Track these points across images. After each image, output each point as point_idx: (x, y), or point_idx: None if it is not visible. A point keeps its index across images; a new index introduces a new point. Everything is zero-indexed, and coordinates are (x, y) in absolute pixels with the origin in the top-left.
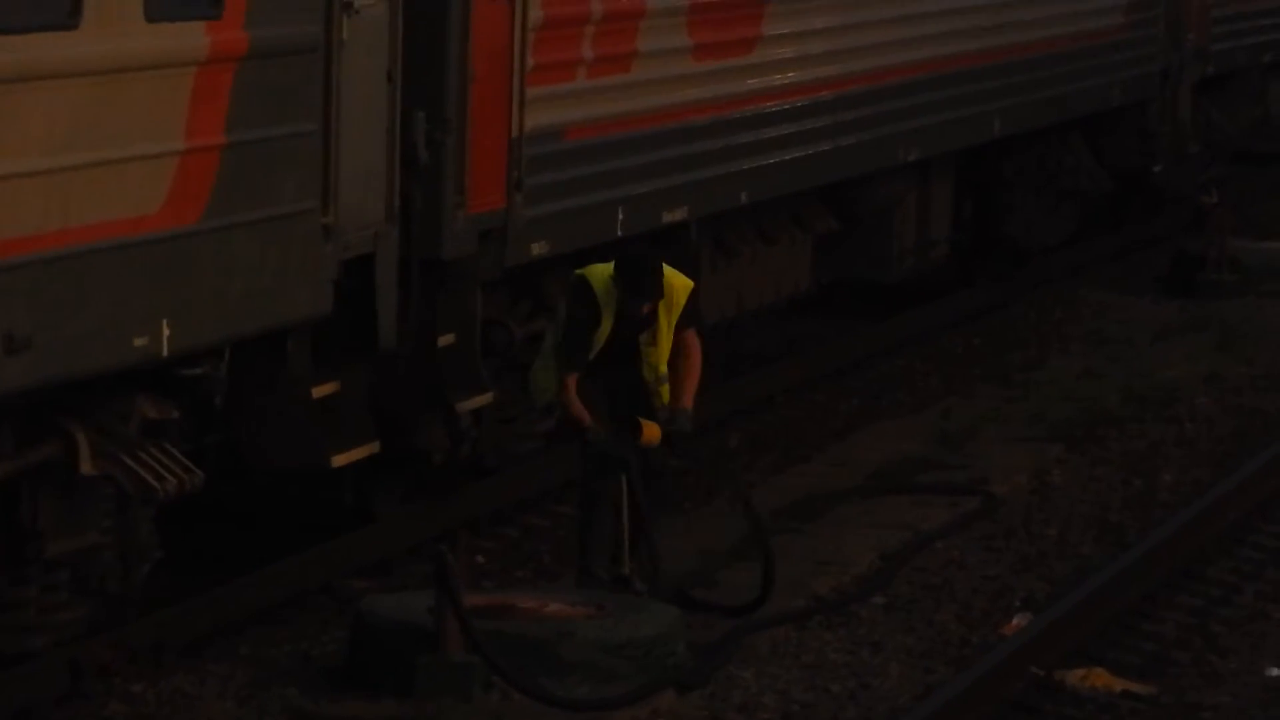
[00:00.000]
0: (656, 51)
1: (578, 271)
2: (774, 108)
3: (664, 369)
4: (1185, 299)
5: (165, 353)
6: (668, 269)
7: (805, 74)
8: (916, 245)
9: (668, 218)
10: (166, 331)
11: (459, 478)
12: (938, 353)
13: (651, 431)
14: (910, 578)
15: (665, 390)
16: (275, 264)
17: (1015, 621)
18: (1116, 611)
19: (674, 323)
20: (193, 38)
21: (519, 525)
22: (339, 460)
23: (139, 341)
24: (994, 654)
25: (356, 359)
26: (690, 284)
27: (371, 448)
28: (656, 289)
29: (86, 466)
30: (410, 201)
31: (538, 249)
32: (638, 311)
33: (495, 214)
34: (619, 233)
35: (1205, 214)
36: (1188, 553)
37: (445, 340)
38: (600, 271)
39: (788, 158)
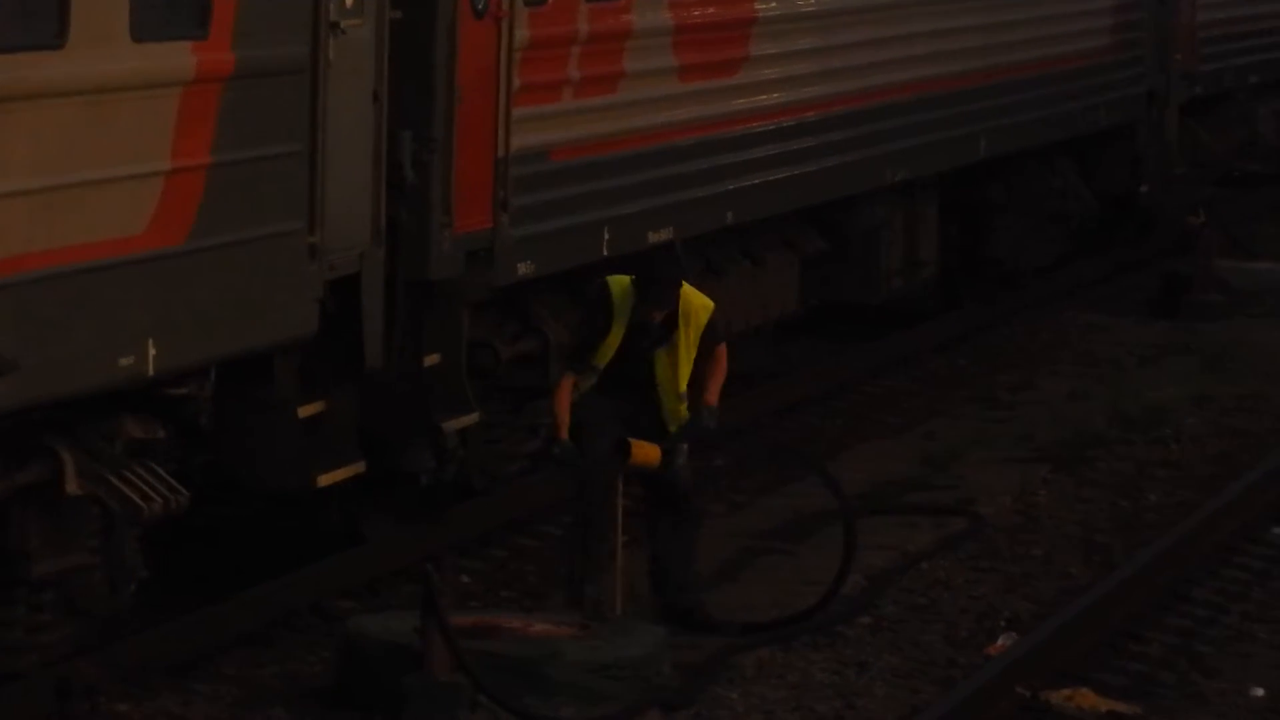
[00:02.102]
0: (643, 72)
1: (602, 278)
2: (760, 128)
3: (683, 387)
4: (1173, 320)
5: (151, 372)
6: (690, 289)
7: (792, 95)
8: (903, 266)
9: (654, 238)
10: (153, 351)
11: (445, 498)
12: (925, 374)
13: (643, 453)
14: (896, 598)
15: (684, 409)
16: (261, 284)
17: (1001, 642)
18: (1102, 632)
19: (694, 343)
20: (179, 58)
21: (505, 546)
22: (325, 480)
23: (125, 361)
24: (980, 675)
25: (343, 379)
26: (710, 305)
27: (358, 468)
28: (666, 298)
29: (72, 487)
30: (396, 222)
31: (524, 269)
32: (649, 318)
33: (481, 234)
34: (605, 253)
35: (1193, 235)
36: (1174, 574)
37: (431, 360)
38: (621, 279)
39: (774, 178)
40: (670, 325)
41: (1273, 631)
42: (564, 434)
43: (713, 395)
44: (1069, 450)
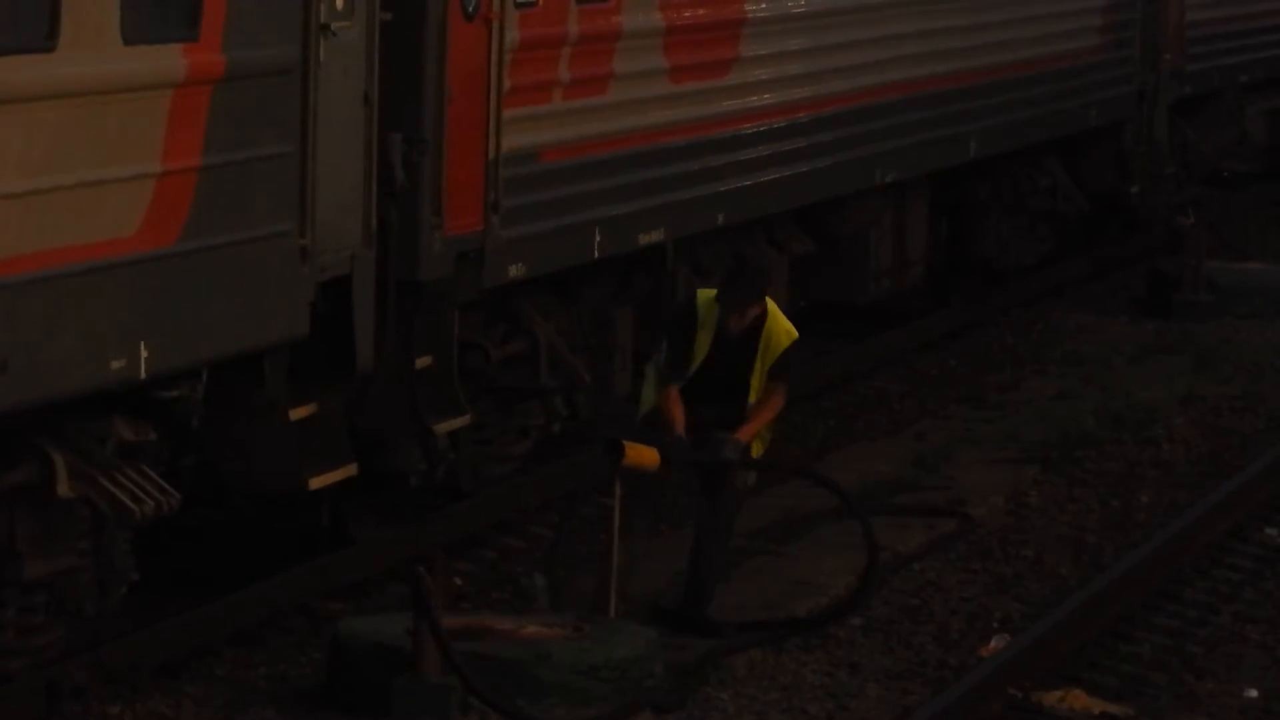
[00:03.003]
0: (633, 73)
1: (690, 291)
2: (750, 129)
3: (753, 399)
4: (1162, 320)
5: (143, 375)
6: (778, 312)
7: (781, 96)
8: (892, 266)
9: (644, 239)
10: (144, 354)
11: (436, 500)
12: (913, 374)
13: (637, 454)
14: (888, 599)
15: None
16: (252, 286)
17: (993, 643)
18: (1094, 633)
19: (768, 364)
20: (169, 60)
21: (496, 547)
22: (316, 482)
23: (116, 364)
24: (971, 675)
25: (333, 381)
26: (794, 335)
27: (349, 470)
28: (747, 294)
29: (64, 489)
30: (387, 223)
31: (515, 271)
32: (730, 325)
33: (472, 236)
34: (595, 254)
35: (1181, 235)
36: (1165, 574)
37: (422, 362)
38: (707, 291)
39: (764, 179)
40: (754, 342)
41: (1264, 632)
42: (681, 430)
43: (747, 431)
44: (1059, 450)
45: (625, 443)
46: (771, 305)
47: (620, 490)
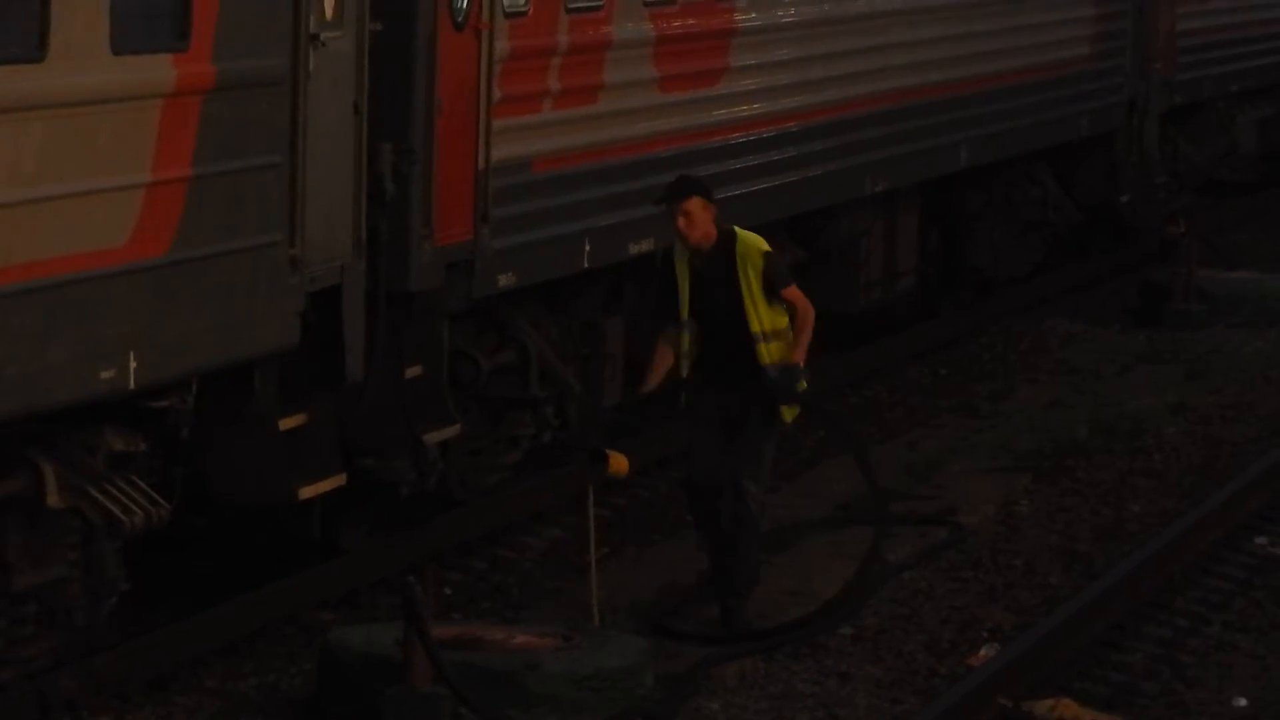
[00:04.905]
0: (623, 83)
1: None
2: (740, 139)
3: (768, 326)
4: (1153, 329)
5: (132, 385)
6: (742, 231)
7: (771, 105)
8: (883, 276)
9: (634, 249)
10: (133, 364)
11: (426, 509)
12: (904, 383)
13: (619, 463)
14: (878, 608)
15: (764, 349)
16: (242, 296)
17: (983, 652)
18: (1084, 642)
19: (758, 286)
20: (159, 70)
21: (486, 557)
22: (306, 492)
23: (106, 374)
24: (961, 685)
25: (323, 391)
26: (764, 245)
27: (339, 480)
28: (679, 190)
29: (53, 499)
30: (377, 234)
31: (505, 280)
32: (687, 235)
33: (462, 246)
34: (586, 264)
35: (1172, 244)
36: (1156, 583)
37: (412, 372)
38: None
39: (754, 189)
40: (731, 264)
41: (1255, 641)
42: (652, 385)
43: (796, 351)
44: (1050, 460)
45: (609, 452)
46: (736, 228)
47: (593, 499)
